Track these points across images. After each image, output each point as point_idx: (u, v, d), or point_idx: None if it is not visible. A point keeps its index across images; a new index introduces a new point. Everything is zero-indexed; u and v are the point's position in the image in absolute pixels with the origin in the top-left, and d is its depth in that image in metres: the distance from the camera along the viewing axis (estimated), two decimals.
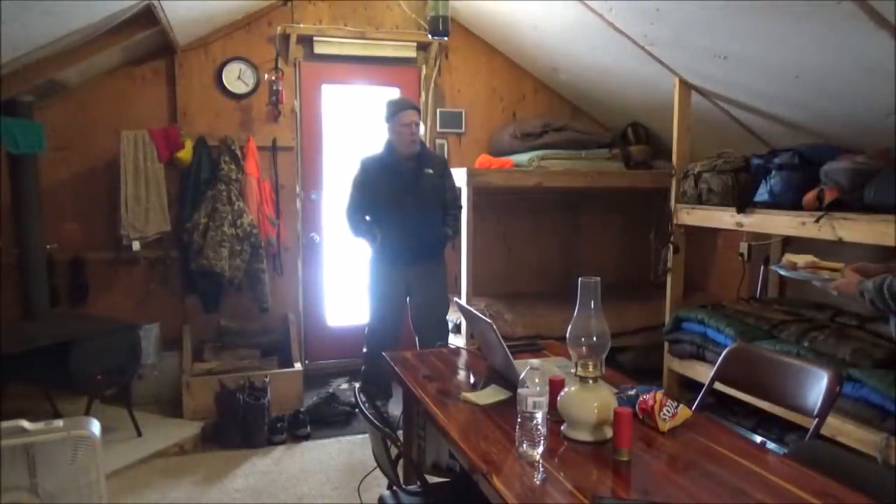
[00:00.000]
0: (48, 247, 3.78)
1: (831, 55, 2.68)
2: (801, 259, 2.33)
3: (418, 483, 2.00)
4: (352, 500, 2.89)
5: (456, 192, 3.72)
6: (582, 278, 1.66)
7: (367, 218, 3.62)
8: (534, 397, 1.51)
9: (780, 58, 2.88)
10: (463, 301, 3.95)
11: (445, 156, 4.54)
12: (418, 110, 3.57)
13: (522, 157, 4.17)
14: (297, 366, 4.06)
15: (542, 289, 4.86)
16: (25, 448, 2.06)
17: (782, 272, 1.69)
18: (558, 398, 1.68)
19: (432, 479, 2.11)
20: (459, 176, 3.82)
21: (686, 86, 3.57)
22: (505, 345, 1.95)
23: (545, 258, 4.98)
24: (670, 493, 1.40)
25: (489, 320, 2.06)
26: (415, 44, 4.49)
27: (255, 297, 4.14)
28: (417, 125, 3.51)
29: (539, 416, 1.52)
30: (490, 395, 1.95)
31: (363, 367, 3.76)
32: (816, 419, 1.85)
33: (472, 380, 2.14)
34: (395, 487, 2.01)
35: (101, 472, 2.19)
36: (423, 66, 4.59)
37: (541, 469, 1.51)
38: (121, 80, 4.01)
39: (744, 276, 4.13)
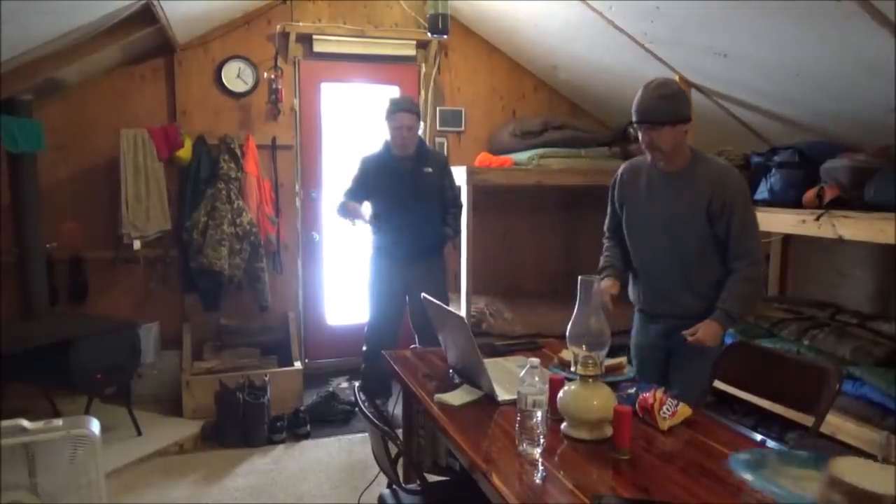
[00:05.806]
0: (48, 246, 3.78)
1: (831, 53, 2.67)
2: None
3: (418, 482, 2.00)
4: (352, 499, 2.89)
5: (456, 191, 3.70)
6: (582, 277, 1.66)
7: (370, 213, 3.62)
8: (533, 396, 1.51)
9: (780, 55, 2.87)
10: (462, 299, 3.96)
11: (445, 154, 4.53)
12: (415, 113, 3.47)
13: (522, 156, 4.16)
14: (297, 364, 4.05)
15: (542, 287, 4.86)
16: (25, 447, 2.06)
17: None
18: (558, 396, 1.68)
19: (432, 478, 2.12)
20: (459, 174, 3.81)
21: (686, 84, 3.56)
22: (475, 343, 1.91)
23: (545, 256, 4.97)
24: (670, 492, 1.40)
25: (461, 314, 1.99)
26: (414, 42, 4.49)
27: (254, 295, 4.14)
28: (409, 128, 3.42)
29: (539, 414, 1.52)
30: (463, 396, 1.93)
31: (363, 366, 3.76)
32: (816, 417, 1.85)
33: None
34: (394, 486, 2.01)
35: (101, 471, 2.19)
36: (423, 65, 4.59)
37: (541, 468, 1.51)
38: (120, 78, 4.01)
39: None
